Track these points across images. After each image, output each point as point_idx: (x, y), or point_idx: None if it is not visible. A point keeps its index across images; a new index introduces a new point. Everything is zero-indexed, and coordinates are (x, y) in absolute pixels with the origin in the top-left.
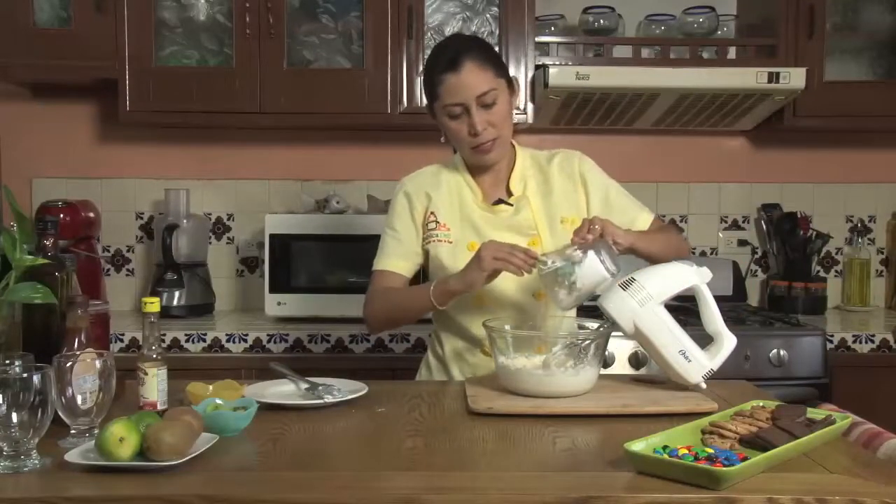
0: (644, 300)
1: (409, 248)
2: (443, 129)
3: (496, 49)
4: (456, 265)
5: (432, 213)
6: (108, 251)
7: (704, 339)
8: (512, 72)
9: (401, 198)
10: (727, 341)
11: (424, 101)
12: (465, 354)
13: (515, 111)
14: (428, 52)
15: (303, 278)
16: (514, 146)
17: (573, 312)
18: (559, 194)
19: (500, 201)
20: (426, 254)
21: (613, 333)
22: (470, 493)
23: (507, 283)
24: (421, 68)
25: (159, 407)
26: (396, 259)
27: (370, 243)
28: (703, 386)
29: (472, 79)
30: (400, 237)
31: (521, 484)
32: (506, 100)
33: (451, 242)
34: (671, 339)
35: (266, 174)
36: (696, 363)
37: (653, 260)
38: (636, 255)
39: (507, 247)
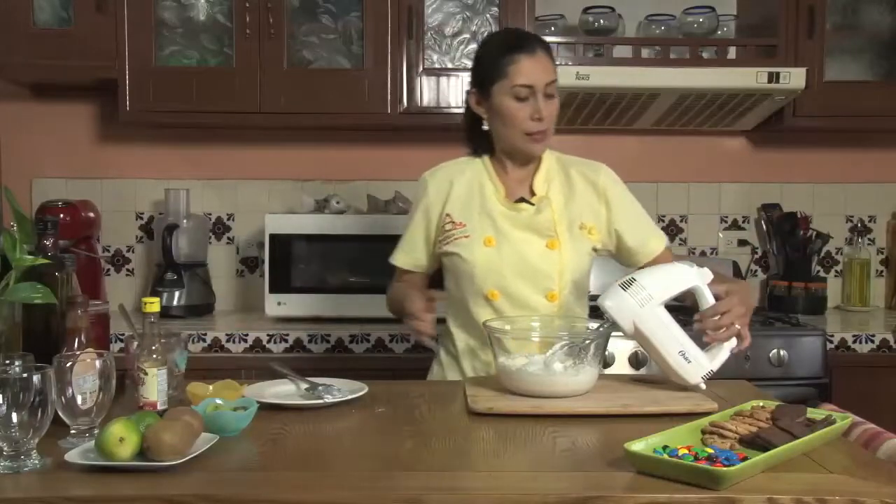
0: (644, 300)
1: (415, 245)
2: (496, 112)
3: None
4: (473, 259)
5: (447, 214)
6: (108, 251)
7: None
8: None
9: (420, 193)
10: (727, 342)
11: (467, 84)
12: (478, 351)
13: None
14: (428, 51)
15: (303, 278)
16: None
17: (585, 312)
18: (581, 200)
19: (521, 200)
20: (445, 255)
21: (613, 333)
22: (470, 493)
23: (521, 284)
24: (421, 68)
25: (159, 407)
26: (403, 256)
27: (370, 243)
28: (703, 387)
29: (545, 65)
30: (412, 234)
31: (521, 484)
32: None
33: (468, 237)
34: (671, 339)
35: (266, 174)
36: (696, 364)
37: None
38: None
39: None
